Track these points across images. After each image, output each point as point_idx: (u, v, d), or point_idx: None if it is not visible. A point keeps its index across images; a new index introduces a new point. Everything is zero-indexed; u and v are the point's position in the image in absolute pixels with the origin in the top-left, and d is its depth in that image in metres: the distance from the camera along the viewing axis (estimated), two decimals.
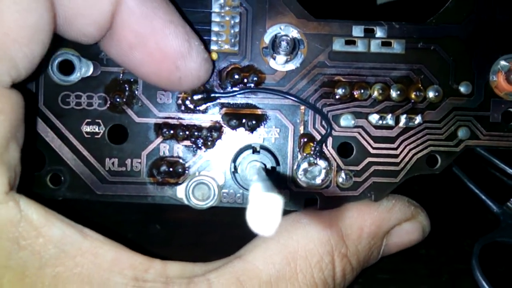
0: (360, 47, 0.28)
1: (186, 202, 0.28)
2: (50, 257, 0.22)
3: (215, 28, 0.28)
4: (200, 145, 0.28)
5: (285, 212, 0.28)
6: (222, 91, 0.28)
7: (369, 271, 0.34)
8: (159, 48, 0.24)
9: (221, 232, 0.36)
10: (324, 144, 0.28)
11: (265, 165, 0.27)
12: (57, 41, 0.27)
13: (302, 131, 0.28)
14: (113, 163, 0.28)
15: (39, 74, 0.27)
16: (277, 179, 0.28)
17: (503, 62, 0.28)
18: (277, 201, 0.12)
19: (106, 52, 0.25)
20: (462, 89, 0.28)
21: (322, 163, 0.28)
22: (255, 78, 0.28)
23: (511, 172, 0.38)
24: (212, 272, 0.24)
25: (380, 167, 0.28)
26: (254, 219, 0.12)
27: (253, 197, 0.13)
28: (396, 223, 0.28)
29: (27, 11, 0.21)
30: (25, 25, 0.21)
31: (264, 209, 0.12)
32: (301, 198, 0.28)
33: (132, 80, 0.28)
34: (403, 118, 0.28)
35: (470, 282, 0.33)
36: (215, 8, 0.28)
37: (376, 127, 0.28)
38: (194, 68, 0.25)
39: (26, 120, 0.23)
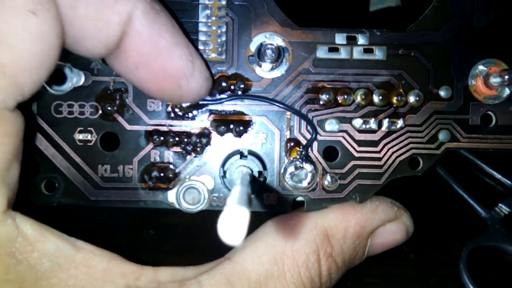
0: (343, 54, 0.29)
1: (177, 206, 0.29)
2: (45, 270, 0.22)
3: (202, 37, 0.29)
4: (189, 151, 0.29)
5: (273, 214, 0.29)
6: (210, 98, 0.29)
7: (358, 275, 0.34)
8: (164, 69, 0.25)
9: (212, 235, 0.36)
10: (309, 148, 0.29)
11: (251, 170, 0.28)
12: None
13: (288, 136, 0.29)
14: (105, 170, 0.29)
15: None
16: (264, 183, 0.29)
17: (481, 67, 0.29)
18: (244, 214, 0.13)
19: (111, 66, 0.26)
20: (442, 93, 0.29)
21: (308, 167, 0.29)
22: (242, 86, 0.29)
23: (499, 177, 0.39)
24: (203, 275, 0.25)
25: (364, 170, 0.29)
26: (223, 230, 0.13)
27: (224, 210, 0.14)
28: (380, 224, 0.29)
29: (39, 40, 0.22)
30: (36, 53, 0.22)
31: (232, 221, 0.13)
32: (288, 201, 0.29)
33: (122, 89, 0.29)
34: (385, 122, 0.29)
35: (458, 285, 0.34)
36: (202, 18, 0.29)
37: (360, 131, 0.29)
38: (196, 87, 0.26)
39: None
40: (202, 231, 0.33)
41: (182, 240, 0.36)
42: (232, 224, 0.13)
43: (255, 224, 0.28)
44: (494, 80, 0.28)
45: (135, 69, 0.25)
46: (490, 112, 0.29)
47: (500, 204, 0.37)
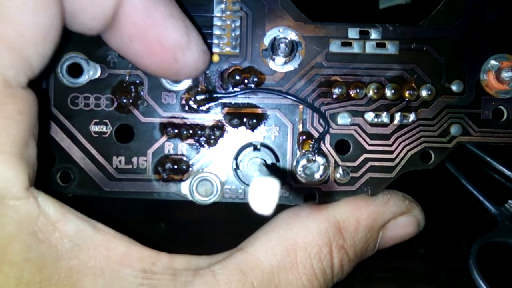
0: (355, 48, 0.29)
1: (190, 198, 0.29)
2: (66, 251, 0.23)
3: (216, 31, 0.29)
4: (203, 144, 0.29)
5: (286, 206, 0.29)
6: (223, 91, 0.29)
7: (368, 270, 0.35)
8: (159, 41, 0.25)
9: (224, 230, 0.36)
10: (322, 142, 0.29)
11: (265, 161, 0.28)
12: (67, 45, 0.28)
13: (301, 129, 0.29)
14: (120, 161, 0.29)
15: (49, 72, 0.28)
16: (277, 174, 0.29)
17: (493, 62, 0.29)
18: (275, 184, 0.13)
19: (107, 42, 0.26)
20: (454, 87, 0.29)
21: (320, 160, 0.29)
22: (255, 79, 0.29)
23: (509, 174, 0.39)
24: (216, 264, 0.26)
25: (376, 163, 0.29)
26: (255, 199, 0.13)
27: (254, 181, 0.14)
28: (391, 217, 0.29)
29: (40, 11, 0.22)
30: (39, 25, 0.22)
31: (263, 191, 0.13)
32: (300, 193, 0.29)
33: (138, 82, 0.29)
34: (397, 116, 0.29)
35: (467, 281, 0.34)
36: (217, 12, 0.29)
37: (372, 124, 0.29)
38: (192, 60, 0.26)
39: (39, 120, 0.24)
40: (213, 225, 0.33)
41: (194, 234, 0.37)
42: (263, 195, 0.13)
43: (267, 216, 0.29)
44: (506, 75, 0.28)
45: (130, 42, 0.25)
46: (501, 107, 0.30)
47: (509, 201, 0.37)
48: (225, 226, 0.36)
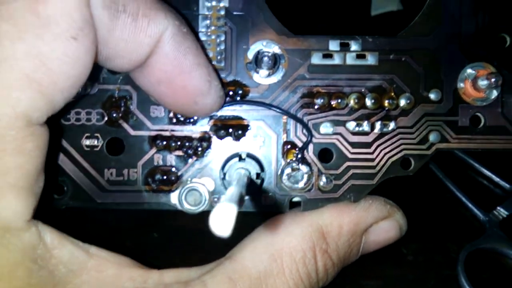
0: (336, 60, 0.30)
1: (179, 207, 0.30)
2: (62, 276, 0.24)
3: None
4: (191, 155, 0.30)
5: (272, 214, 0.31)
6: None
7: (357, 278, 0.35)
8: (184, 87, 0.27)
9: (216, 238, 0.37)
10: (305, 151, 0.30)
11: (249, 171, 0.29)
12: None
13: (285, 139, 0.31)
14: (111, 173, 0.30)
15: None
16: (261, 184, 0.30)
17: (469, 70, 0.30)
18: (232, 210, 0.15)
19: (134, 79, 0.28)
20: (432, 96, 0.30)
21: (304, 168, 0.30)
22: (240, 91, 0.30)
23: (498, 180, 0.39)
24: (206, 275, 0.27)
25: (358, 171, 0.30)
26: (213, 223, 0.15)
27: (216, 206, 0.15)
28: (373, 221, 0.30)
29: (76, 63, 0.23)
30: (73, 76, 0.23)
31: (221, 216, 0.14)
32: (285, 201, 0.31)
33: (127, 96, 0.30)
34: (378, 125, 0.30)
35: None
36: (202, 28, 0.30)
37: (353, 133, 0.30)
38: (210, 104, 0.28)
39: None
40: (205, 234, 0.34)
41: (187, 243, 0.37)
42: (221, 218, 0.14)
43: (254, 224, 0.30)
44: (482, 83, 0.29)
45: (157, 85, 0.27)
46: (478, 114, 0.31)
47: (498, 207, 0.37)
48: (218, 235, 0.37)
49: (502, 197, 0.39)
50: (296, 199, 0.31)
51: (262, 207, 0.30)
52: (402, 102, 0.30)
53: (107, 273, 0.25)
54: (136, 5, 0.24)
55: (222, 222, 0.14)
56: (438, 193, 0.39)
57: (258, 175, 0.30)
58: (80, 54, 0.23)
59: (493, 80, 0.29)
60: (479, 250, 0.36)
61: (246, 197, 0.30)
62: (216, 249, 0.29)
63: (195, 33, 0.29)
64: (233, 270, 0.27)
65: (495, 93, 0.30)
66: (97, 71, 0.30)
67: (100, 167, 0.30)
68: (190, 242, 0.37)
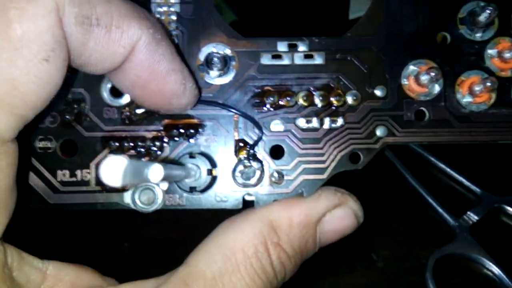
0: (285, 60, 0.32)
1: (133, 207, 0.30)
2: None
3: None
4: (144, 155, 0.31)
5: (227, 213, 0.31)
6: None
7: (328, 286, 0.35)
8: (158, 90, 0.27)
9: (190, 248, 0.37)
10: (257, 148, 0.31)
11: (199, 166, 0.30)
12: None
13: (237, 137, 0.31)
14: (64, 174, 0.30)
15: None
16: (214, 180, 0.31)
17: (412, 67, 0.32)
18: (123, 162, 0.15)
19: (109, 78, 0.28)
20: (377, 92, 0.31)
21: (255, 165, 0.31)
22: None
23: (469, 184, 0.39)
24: (162, 285, 0.27)
25: (309, 165, 0.31)
26: (103, 172, 0.15)
27: (106, 159, 0.16)
28: (325, 211, 0.30)
29: (48, 83, 0.23)
30: (43, 94, 0.24)
31: (111, 165, 0.15)
32: (239, 198, 0.31)
33: (80, 99, 0.31)
34: (327, 121, 0.31)
35: None
36: None
37: (303, 130, 0.31)
38: (185, 104, 0.29)
39: None
40: (180, 244, 0.34)
41: (161, 253, 0.37)
42: (111, 169, 0.15)
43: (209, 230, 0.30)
44: (423, 78, 0.31)
45: (132, 88, 0.27)
46: (423, 108, 0.32)
47: (468, 212, 0.37)
48: (192, 244, 0.37)
49: (473, 201, 0.39)
50: (250, 198, 0.31)
51: (215, 204, 0.31)
52: (349, 99, 0.31)
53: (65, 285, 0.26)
54: (110, 17, 0.24)
55: (111, 172, 0.15)
56: (409, 198, 0.40)
57: (209, 171, 0.30)
58: (52, 74, 0.23)
59: (432, 74, 0.30)
60: (448, 256, 0.36)
61: (200, 195, 0.31)
62: None
63: (169, 35, 0.29)
64: (187, 274, 0.27)
65: (437, 88, 0.31)
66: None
67: (53, 169, 0.30)
68: (165, 252, 0.37)
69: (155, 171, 0.18)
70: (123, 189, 0.30)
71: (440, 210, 0.38)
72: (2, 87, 0.22)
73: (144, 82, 0.27)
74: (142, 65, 0.26)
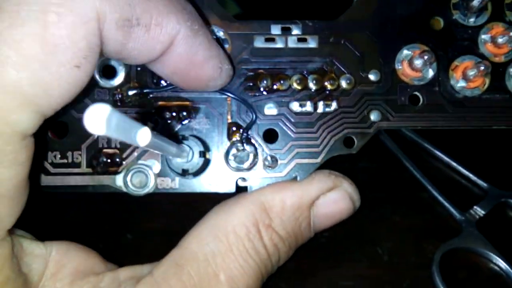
0: (278, 43, 0.31)
1: (124, 189, 0.30)
2: (35, 283, 0.26)
3: None
4: None
5: (220, 196, 0.31)
6: (154, 87, 0.31)
7: (332, 278, 0.35)
8: (197, 77, 0.28)
9: None
10: (250, 131, 0.31)
11: (191, 148, 0.29)
12: None
13: (230, 120, 0.31)
14: (55, 156, 0.30)
15: None
16: (207, 163, 0.30)
17: (406, 51, 0.31)
18: (106, 110, 0.15)
19: (147, 65, 0.28)
20: (371, 76, 0.31)
21: (249, 148, 0.30)
22: None
23: (475, 179, 0.39)
24: (156, 268, 0.27)
25: (302, 150, 0.31)
26: (87, 120, 0.15)
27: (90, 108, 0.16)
28: (318, 193, 0.29)
29: (76, 88, 0.24)
30: (69, 96, 0.24)
31: (95, 113, 0.15)
32: (232, 182, 0.31)
33: None
34: (320, 105, 0.31)
35: None
36: None
37: (297, 113, 0.31)
38: (220, 84, 0.29)
39: None
40: (179, 236, 0.34)
41: (163, 245, 0.37)
42: (94, 117, 0.15)
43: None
44: (417, 62, 0.31)
45: (171, 75, 0.28)
46: (417, 93, 0.32)
47: (475, 207, 0.37)
48: None
49: (479, 196, 0.38)
50: (243, 183, 0.31)
51: (209, 187, 0.31)
52: (343, 83, 0.31)
53: (64, 282, 0.26)
54: (149, 15, 0.24)
55: (95, 120, 0.15)
56: (414, 192, 0.39)
57: (202, 153, 0.30)
58: (80, 79, 0.23)
59: (425, 57, 0.30)
60: (455, 250, 0.35)
61: (192, 178, 0.30)
62: None
63: (205, 21, 0.29)
64: (180, 256, 0.27)
65: (431, 73, 0.31)
66: None
67: (44, 150, 0.30)
68: (165, 244, 0.36)
69: (143, 134, 0.17)
70: (115, 172, 0.30)
71: (446, 204, 0.37)
72: (31, 88, 0.22)
73: (182, 71, 0.27)
74: (180, 57, 0.26)
